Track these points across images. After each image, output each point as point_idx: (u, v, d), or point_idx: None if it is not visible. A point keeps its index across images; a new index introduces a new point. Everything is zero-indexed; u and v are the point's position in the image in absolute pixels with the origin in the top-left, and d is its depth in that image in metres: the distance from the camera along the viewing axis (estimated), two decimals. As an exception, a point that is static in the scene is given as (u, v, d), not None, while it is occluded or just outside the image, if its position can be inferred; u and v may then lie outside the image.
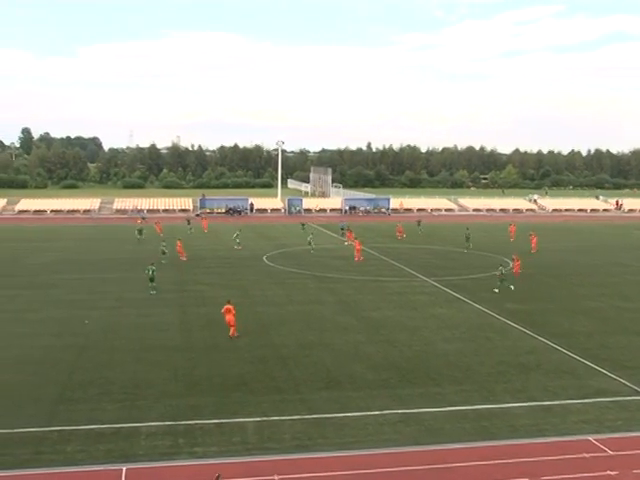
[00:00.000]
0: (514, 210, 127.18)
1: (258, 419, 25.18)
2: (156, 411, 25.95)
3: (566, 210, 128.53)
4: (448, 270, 57.61)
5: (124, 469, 21.20)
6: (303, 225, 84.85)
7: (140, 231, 76.13)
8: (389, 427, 24.62)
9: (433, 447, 23.09)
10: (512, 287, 48.95)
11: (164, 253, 62.86)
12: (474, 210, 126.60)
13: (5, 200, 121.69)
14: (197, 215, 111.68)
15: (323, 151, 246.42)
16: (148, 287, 47.67)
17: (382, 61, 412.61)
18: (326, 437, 23.71)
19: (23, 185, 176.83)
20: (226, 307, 36.42)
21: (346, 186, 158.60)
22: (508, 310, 42.91)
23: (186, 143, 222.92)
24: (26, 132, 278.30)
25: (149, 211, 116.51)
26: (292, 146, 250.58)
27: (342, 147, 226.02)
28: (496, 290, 48.78)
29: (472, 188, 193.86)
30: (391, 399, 27.35)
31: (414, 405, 26.73)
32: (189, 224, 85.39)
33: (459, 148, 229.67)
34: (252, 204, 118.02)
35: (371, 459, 22.14)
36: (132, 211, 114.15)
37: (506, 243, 75.52)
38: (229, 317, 36.25)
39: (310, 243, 69.60)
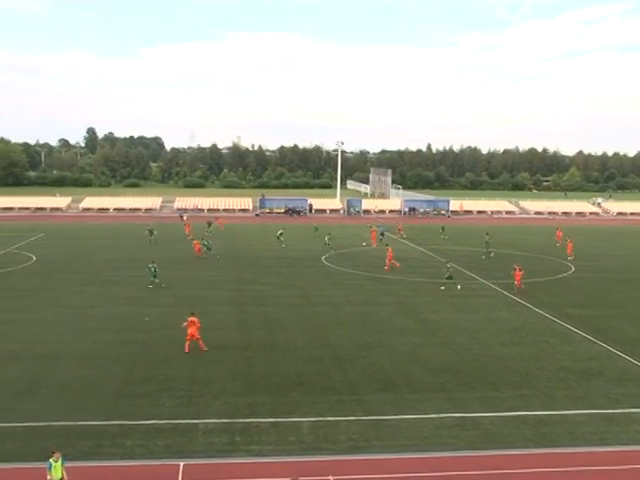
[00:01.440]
0: (577, 214, 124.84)
1: (314, 419, 25.24)
2: (214, 408, 26.22)
3: (631, 214, 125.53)
4: (508, 273, 56.78)
5: (181, 464, 21.47)
6: (316, 228, 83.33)
7: (151, 232, 75.19)
8: (446, 431, 24.42)
9: (490, 452, 22.82)
10: (459, 286, 50.04)
11: (209, 249, 64.61)
12: (535, 213, 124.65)
13: (70, 198, 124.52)
14: (256, 215, 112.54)
15: (383, 152, 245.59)
16: (150, 282, 49.32)
17: (443, 61, 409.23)
18: (382, 439, 23.64)
19: (87, 184, 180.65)
20: (190, 319, 34.01)
21: (406, 187, 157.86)
22: (569, 315, 42.16)
23: (246, 143, 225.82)
24: (91, 132, 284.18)
25: (209, 210, 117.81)
26: (352, 147, 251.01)
27: (402, 148, 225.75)
28: (442, 288, 49.69)
29: (534, 191, 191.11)
30: (448, 402, 27.13)
31: (472, 409, 26.46)
32: (209, 226, 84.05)
33: (521, 150, 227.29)
34: (311, 204, 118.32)
35: (427, 462, 22.00)
36: (177, 210, 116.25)
37: (564, 247, 74.10)
38: (192, 330, 33.65)
39: (328, 244, 69.96)
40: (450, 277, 50.56)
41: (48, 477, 19.12)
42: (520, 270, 49.75)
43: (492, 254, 66.79)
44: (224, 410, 26.03)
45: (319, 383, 29.26)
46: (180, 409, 26.11)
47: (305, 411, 26.01)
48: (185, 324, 34.09)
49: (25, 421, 24.75)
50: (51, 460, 19.13)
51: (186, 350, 33.36)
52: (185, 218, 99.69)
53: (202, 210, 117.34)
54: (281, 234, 73.71)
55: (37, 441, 23.12)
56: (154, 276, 49.50)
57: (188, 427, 24.45)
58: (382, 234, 76.19)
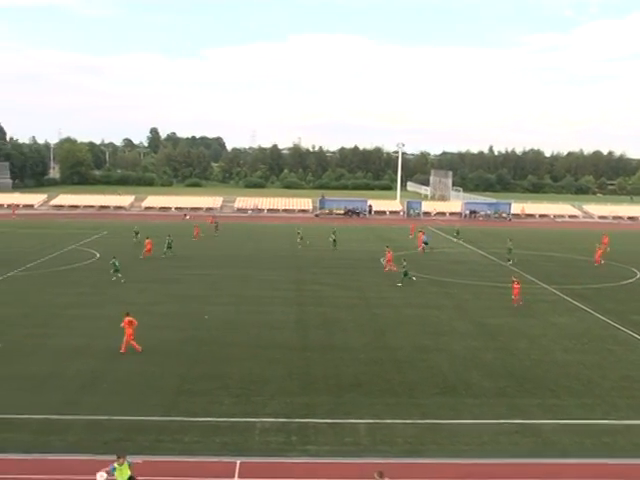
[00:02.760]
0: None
1: (371, 421, 25.15)
2: (271, 407, 26.34)
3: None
4: (570, 278, 55.87)
5: (238, 462, 21.61)
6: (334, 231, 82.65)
7: (137, 233, 74.24)
8: (505, 437, 24.07)
9: (550, 460, 22.40)
10: (414, 278, 52.08)
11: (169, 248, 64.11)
12: (599, 217, 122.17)
13: (133, 197, 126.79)
14: (316, 215, 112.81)
15: (444, 154, 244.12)
16: (112, 275, 51.76)
17: (507, 62, 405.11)
18: (439, 443, 23.43)
19: (150, 183, 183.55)
20: (127, 319, 33.40)
21: (466, 190, 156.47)
22: (633, 322, 41.19)
23: (307, 144, 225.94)
24: (154, 132, 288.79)
25: (269, 210, 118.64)
26: (412, 148, 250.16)
27: (463, 150, 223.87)
28: (399, 284, 50.91)
29: (598, 194, 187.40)
30: (508, 408, 26.75)
31: (532, 416, 26.04)
32: (217, 229, 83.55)
33: (585, 152, 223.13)
34: (371, 206, 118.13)
35: (485, 468, 21.74)
36: (207, 209, 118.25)
37: (635, 253, 72.56)
38: (130, 330, 33.07)
39: (334, 242, 70.67)
40: (405, 274, 51.99)
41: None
42: (518, 283, 45.92)
43: (512, 261, 63.90)
44: (281, 409, 26.13)
45: (377, 385, 29.16)
46: (238, 407, 26.31)
47: (362, 413, 25.94)
48: (122, 325, 33.53)
49: (87, 414, 25.25)
50: (115, 464, 18.86)
51: (122, 350, 32.87)
52: (188, 217, 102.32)
53: (262, 210, 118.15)
54: (300, 234, 75.13)
55: (98, 434, 23.57)
56: (116, 270, 51.85)
57: (245, 425, 24.61)
58: (426, 243, 71.78)
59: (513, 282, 46.24)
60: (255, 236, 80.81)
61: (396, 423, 25.02)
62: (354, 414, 25.79)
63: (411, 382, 29.60)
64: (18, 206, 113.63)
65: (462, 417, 25.72)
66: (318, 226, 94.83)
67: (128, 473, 18.99)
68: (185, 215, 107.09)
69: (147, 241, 63.80)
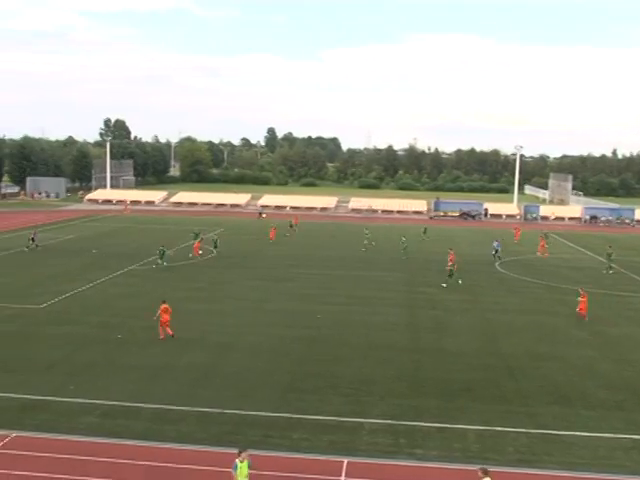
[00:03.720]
0: None
1: (481, 427, 24.73)
2: (379, 408, 26.28)
3: None
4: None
5: (345, 462, 21.66)
6: (425, 229, 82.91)
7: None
8: (621, 452, 23.13)
9: (670, 479, 21.42)
10: (460, 281, 51.60)
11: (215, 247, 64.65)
12: None
13: (250, 195, 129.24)
14: (431, 217, 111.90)
15: (564, 157, 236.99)
16: (157, 260, 55.76)
17: (631, 62, 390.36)
18: (551, 454, 22.78)
19: (266, 182, 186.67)
20: (163, 307, 35.15)
21: (587, 194, 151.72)
22: None
23: (423, 145, 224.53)
24: (271, 132, 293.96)
25: (383, 212, 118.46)
26: (531, 151, 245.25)
27: (584, 153, 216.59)
28: (444, 285, 50.91)
29: None
30: (625, 422, 25.70)
31: (651, 431, 24.98)
32: (291, 227, 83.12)
33: None
34: (486, 209, 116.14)
35: (599, 483, 20.99)
36: (258, 207, 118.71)
37: None
38: (166, 317, 34.98)
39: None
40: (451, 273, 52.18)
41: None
42: (584, 296, 41.90)
43: (611, 270, 60.09)
44: (390, 411, 26.03)
45: (488, 391, 28.65)
46: (346, 407, 26.37)
47: (472, 419, 25.54)
48: (158, 312, 35.04)
49: (199, 406, 25.89)
50: (237, 460, 18.70)
51: (161, 337, 34.67)
52: (265, 216, 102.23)
53: (376, 211, 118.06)
54: (367, 235, 74.52)
55: (210, 426, 24.14)
56: (161, 257, 55.74)
57: (353, 425, 24.65)
58: (496, 251, 66.15)
59: (580, 294, 42.29)
60: (369, 236, 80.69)
61: (507, 431, 24.49)
62: (463, 420, 25.42)
63: (523, 390, 28.92)
64: (130, 202, 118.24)
65: (576, 429, 24.88)
66: (433, 228, 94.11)
67: (245, 473, 18.73)
68: (261, 214, 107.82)
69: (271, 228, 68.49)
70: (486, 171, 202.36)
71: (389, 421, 25.04)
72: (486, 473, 18.12)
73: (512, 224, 72.85)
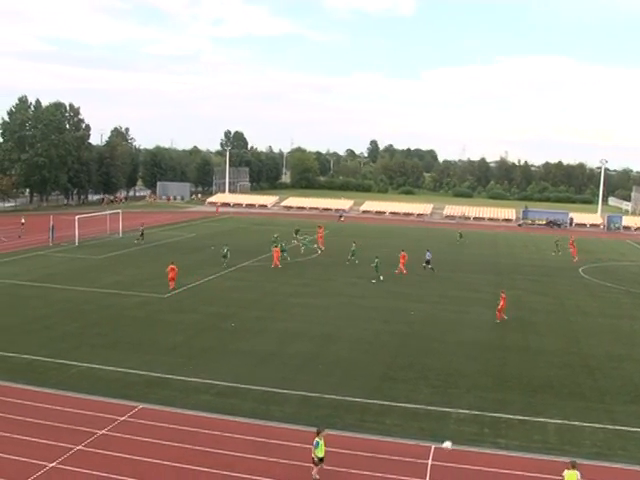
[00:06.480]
0: None
1: (560, 422, 24.16)
2: (466, 400, 26.03)
3: None
4: None
5: (432, 447, 21.55)
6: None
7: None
8: (697, 451, 22.18)
9: None
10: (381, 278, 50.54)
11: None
12: None
13: (352, 201, 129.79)
14: (519, 225, 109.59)
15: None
16: (222, 262, 54.31)
17: None
18: (627, 450, 22.04)
19: (367, 189, 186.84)
20: (170, 267, 44.61)
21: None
22: None
23: (513, 158, 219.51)
24: (373, 143, 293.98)
25: (475, 219, 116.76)
26: (616, 164, 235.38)
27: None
28: (373, 281, 49.96)
29: None
30: (702, 423, 24.60)
31: None
32: (297, 233, 74.51)
33: None
34: (572, 218, 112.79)
35: (674, 480, 20.18)
36: (336, 210, 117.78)
37: None
38: (173, 274, 44.24)
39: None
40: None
41: (312, 455, 19.01)
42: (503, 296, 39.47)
43: None
44: (475, 402, 25.75)
45: (568, 388, 27.93)
46: (435, 397, 26.24)
47: (552, 413, 24.97)
48: (167, 270, 44.71)
49: (302, 390, 26.27)
50: (317, 439, 18.88)
51: (171, 287, 43.99)
52: (343, 219, 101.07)
53: (468, 218, 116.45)
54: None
55: (311, 409, 24.49)
56: (224, 257, 54.73)
57: (441, 414, 24.52)
58: (427, 261, 57.47)
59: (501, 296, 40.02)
60: (460, 241, 79.81)
61: (584, 426, 23.85)
62: (544, 414, 24.89)
63: (602, 388, 28.06)
64: (220, 204, 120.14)
65: (653, 427, 24.00)
66: (521, 235, 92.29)
67: (322, 452, 18.85)
68: (340, 217, 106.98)
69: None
70: (572, 183, 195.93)
71: (474, 412, 24.77)
72: (574, 466, 17.82)
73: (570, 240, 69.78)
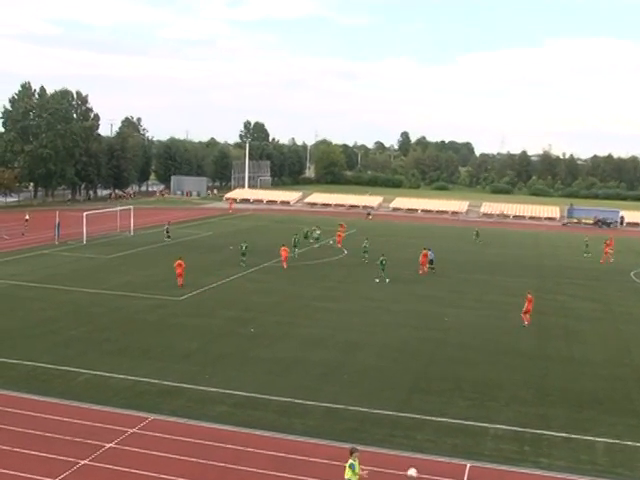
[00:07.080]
0: None
1: (610, 441, 23.67)
2: (505, 414, 25.67)
3: None
4: None
5: (468, 466, 21.27)
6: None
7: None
8: None
9: None
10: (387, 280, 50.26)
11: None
12: None
13: (382, 198, 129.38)
14: (564, 224, 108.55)
15: None
16: (241, 262, 55.39)
17: None
18: (686, 473, 21.58)
19: (398, 184, 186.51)
20: (178, 262, 46.06)
21: None
22: None
23: (557, 151, 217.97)
24: (404, 135, 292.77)
25: (515, 217, 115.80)
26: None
27: None
28: (377, 280, 50.52)
29: None
30: None
31: None
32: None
33: None
34: (622, 217, 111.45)
35: None
36: (364, 208, 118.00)
37: None
38: (180, 270, 45.60)
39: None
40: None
41: (346, 477, 18.10)
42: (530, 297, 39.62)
43: None
44: (515, 418, 25.37)
45: (619, 403, 27.43)
46: (471, 411, 25.91)
47: (601, 431, 24.49)
48: (175, 265, 46.12)
49: (325, 401, 26.08)
50: (352, 460, 18.05)
51: (179, 284, 45.33)
52: (371, 217, 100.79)
53: (507, 216, 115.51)
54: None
55: (336, 422, 24.26)
56: (243, 254, 55.73)
57: (478, 430, 24.19)
58: (431, 261, 57.26)
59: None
60: (500, 241, 79.31)
61: (638, 446, 23.38)
62: (592, 431, 24.42)
63: (657, 404, 27.58)
64: (233, 201, 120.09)
65: None
66: (567, 235, 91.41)
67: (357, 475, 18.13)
68: (369, 214, 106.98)
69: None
70: (623, 178, 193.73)
71: (514, 428, 24.38)
72: None
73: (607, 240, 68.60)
